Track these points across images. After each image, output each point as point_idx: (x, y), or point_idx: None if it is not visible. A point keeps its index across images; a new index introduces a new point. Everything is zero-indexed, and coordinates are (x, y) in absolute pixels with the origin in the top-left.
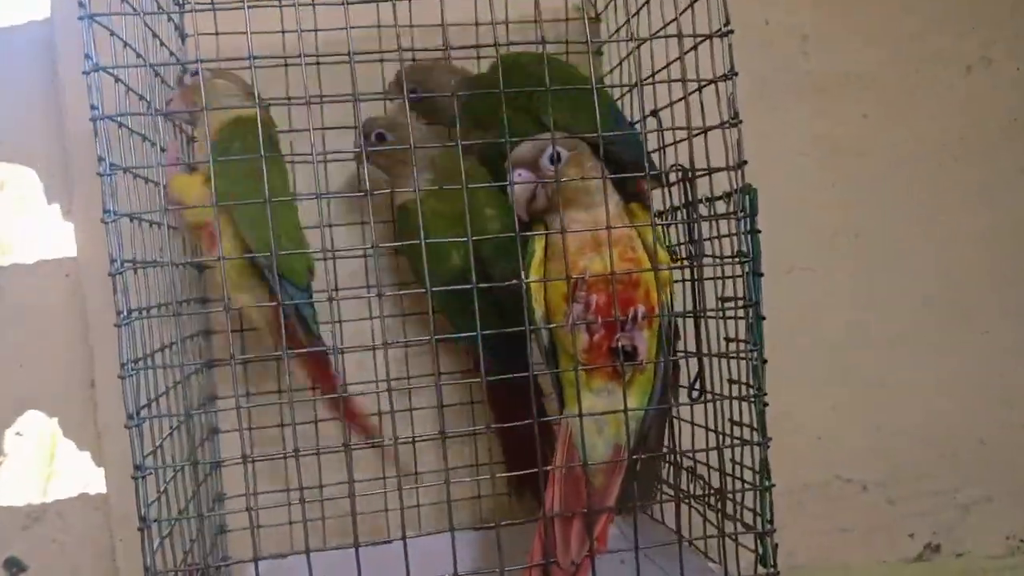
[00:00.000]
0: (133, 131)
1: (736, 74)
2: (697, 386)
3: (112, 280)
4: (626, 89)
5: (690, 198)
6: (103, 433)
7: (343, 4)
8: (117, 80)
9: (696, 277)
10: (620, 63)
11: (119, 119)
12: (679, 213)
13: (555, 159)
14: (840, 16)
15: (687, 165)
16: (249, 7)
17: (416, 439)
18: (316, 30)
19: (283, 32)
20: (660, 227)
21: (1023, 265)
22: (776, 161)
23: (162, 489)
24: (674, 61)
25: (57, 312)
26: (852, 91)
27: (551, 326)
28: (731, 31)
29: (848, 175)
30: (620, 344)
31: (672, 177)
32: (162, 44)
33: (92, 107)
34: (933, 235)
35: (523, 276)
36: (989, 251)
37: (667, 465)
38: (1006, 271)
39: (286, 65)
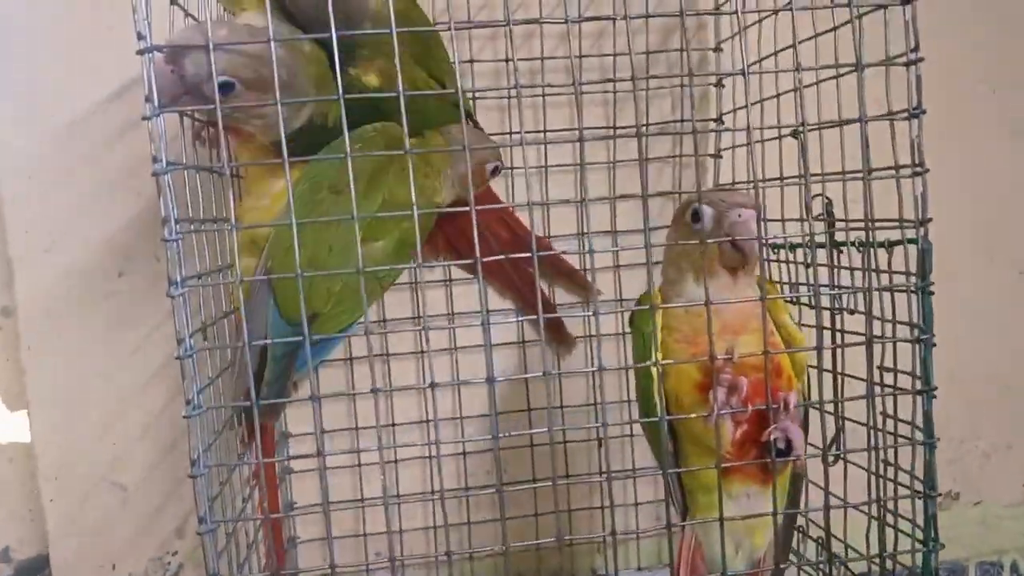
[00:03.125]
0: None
1: (924, 111)
2: (835, 449)
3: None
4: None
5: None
6: (27, 371)
7: None
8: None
9: (836, 327)
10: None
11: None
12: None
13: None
14: None
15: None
16: None
17: None
18: None
19: None
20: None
21: None
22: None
23: (227, 539)
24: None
25: None
26: None
27: (689, 416)
28: (920, 59)
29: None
30: (773, 438)
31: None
32: None
33: (154, 159)
34: None
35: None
36: None
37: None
38: None
39: None
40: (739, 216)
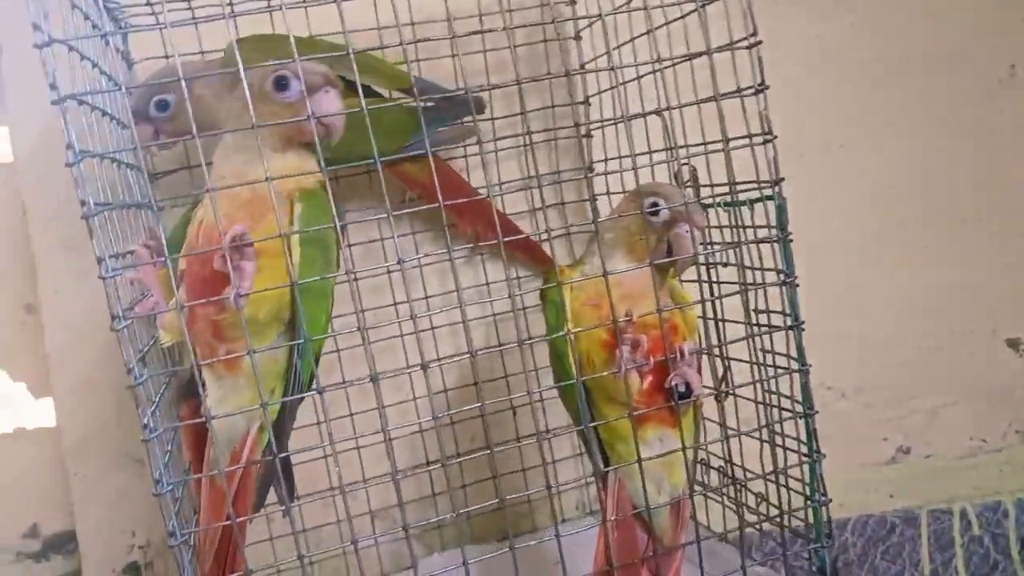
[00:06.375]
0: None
1: (767, 87)
2: (724, 387)
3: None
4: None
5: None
6: (51, 357)
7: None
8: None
9: (709, 279)
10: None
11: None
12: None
13: None
14: None
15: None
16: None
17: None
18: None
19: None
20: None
21: (994, 179)
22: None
23: (178, 500)
24: (690, 57)
25: None
26: None
27: (603, 374)
28: (759, 41)
29: (836, 82)
30: (674, 383)
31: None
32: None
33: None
34: (913, 146)
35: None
36: (966, 162)
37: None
38: (980, 185)
39: None
40: (684, 231)
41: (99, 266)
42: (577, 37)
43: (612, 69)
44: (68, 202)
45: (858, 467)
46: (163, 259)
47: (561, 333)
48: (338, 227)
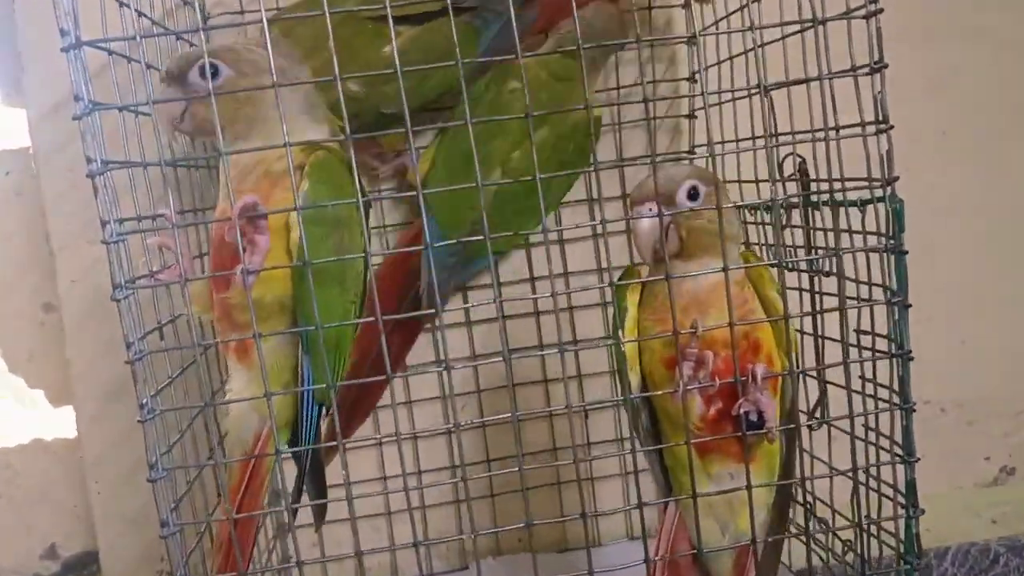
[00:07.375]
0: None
1: (886, 66)
2: (818, 414)
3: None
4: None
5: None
6: (72, 361)
7: None
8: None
9: (815, 289)
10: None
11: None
12: (794, 213)
13: (693, 194)
14: None
15: (808, 165)
16: None
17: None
18: None
19: None
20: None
21: None
22: None
23: (186, 488)
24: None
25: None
26: None
27: (657, 393)
28: (880, 10)
29: (939, 65)
30: (743, 411)
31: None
32: None
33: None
34: None
35: (620, 337)
36: None
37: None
38: None
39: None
40: (638, 215)
41: (103, 229)
42: (686, 5)
43: (697, 35)
44: (89, 192)
45: (958, 490)
46: (179, 225)
47: (610, 343)
48: (361, 202)
